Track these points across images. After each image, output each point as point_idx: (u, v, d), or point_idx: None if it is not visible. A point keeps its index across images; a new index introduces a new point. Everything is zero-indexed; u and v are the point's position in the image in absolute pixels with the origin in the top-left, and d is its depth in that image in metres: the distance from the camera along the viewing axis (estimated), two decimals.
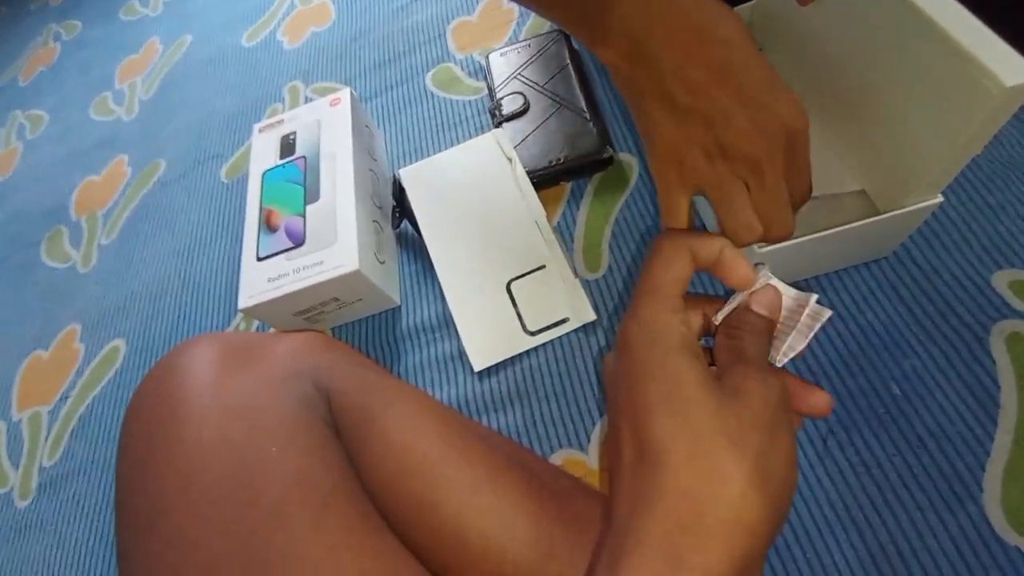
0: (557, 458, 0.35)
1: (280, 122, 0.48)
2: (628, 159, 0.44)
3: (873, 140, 0.30)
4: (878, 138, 0.30)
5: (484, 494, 0.26)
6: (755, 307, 0.22)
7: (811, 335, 0.21)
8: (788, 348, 0.22)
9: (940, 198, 0.28)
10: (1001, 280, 0.32)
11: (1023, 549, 0.27)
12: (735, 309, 0.23)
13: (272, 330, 0.44)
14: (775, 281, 0.23)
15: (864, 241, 0.32)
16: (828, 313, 0.21)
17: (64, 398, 0.50)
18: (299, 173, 0.44)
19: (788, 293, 0.23)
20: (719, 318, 0.23)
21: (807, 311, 0.21)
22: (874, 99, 0.29)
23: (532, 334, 0.38)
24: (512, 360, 0.38)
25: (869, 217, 0.29)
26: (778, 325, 0.23)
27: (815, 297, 0.22)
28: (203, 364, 0.28)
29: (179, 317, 0.50)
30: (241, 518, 0.22)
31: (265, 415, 0.26)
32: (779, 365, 0.22)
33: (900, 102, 0.27)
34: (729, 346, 0.21)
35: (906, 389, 0.31)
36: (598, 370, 0.37)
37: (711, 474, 0.17)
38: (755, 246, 0.29)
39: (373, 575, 0.22)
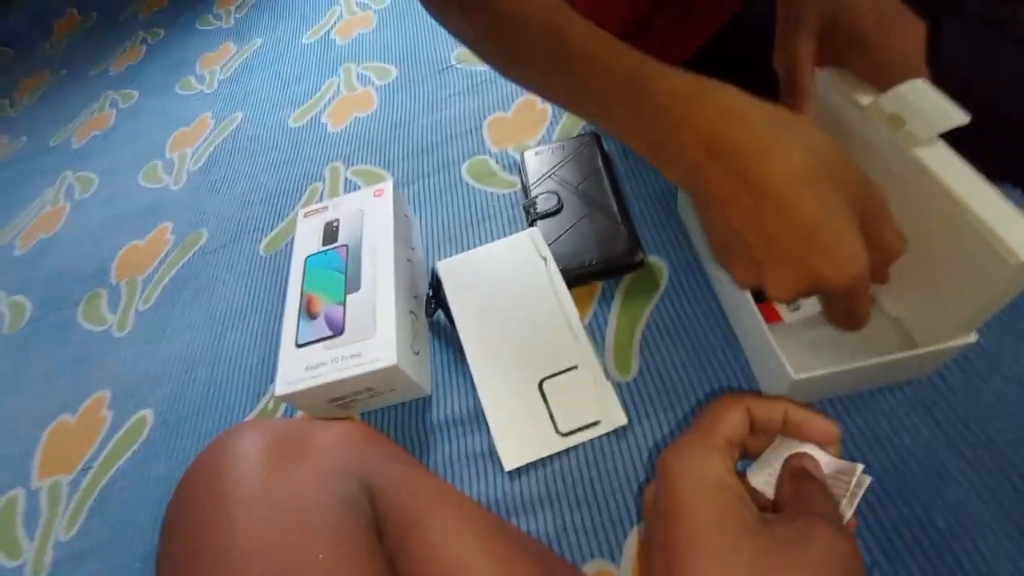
0: (589, 568, 0.34)
1: (324, 208, 0.50)
2: (658, 262, 0.45)
3: (910, 278, 0.31)
4: (914, 278, 0.31)
5: None
6: (809, 467, 0.22)
7: (856, 503, 0.22)
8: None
9: (974, 337, 0.29)
10: None
11: None
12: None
13: (300, 414, 0.45)
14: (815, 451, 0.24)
15: (896, 371, 0.32)
16: (869, 480, 0.22)
17: (86, 469, 0.50)
18: (341, 261, 0.46)
19: (833, 462, 0.23)
20: (754, 477, 0.24)
21: (855, 480, 0.22)
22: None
23: (564, 435, 0.38)
24: (543, 461, 0.38)
25: (903, 345, 0.29)
26: None
27: (861, 467, 0.22)
28: (250, 456, 0.29)
29: (209, 390, 0.51)
30: None
31: (312, 517, 0.26)
32: None
33: (934, 252, 0.28)
34: (797, 496, 0.21)
35: (951, 522, 0.30)
36: (628, 477, 0.37)
37: None
38: (790, 372, 0.30)
39: None
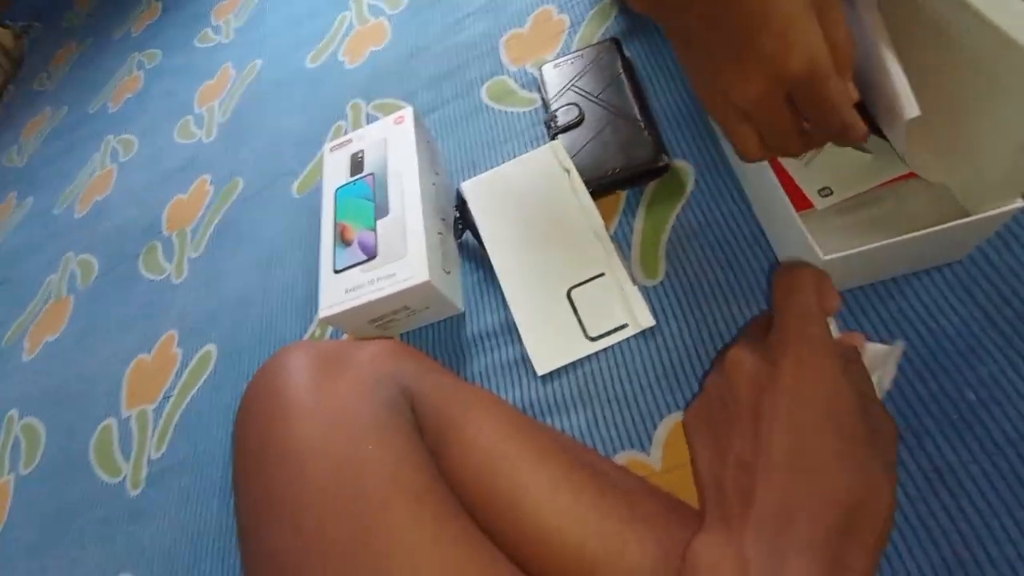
0: (620, 459, 0.36)
1: (349, 141, 0.51)
2: (683, 166, 0.44)
3: (952, 136, 0.29)
4: (956, 135, 0.29)
5: (561, 493, 0.28)
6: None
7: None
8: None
9: (1021, 202, 0.28)
10: None
11: None
12: None
13: (345, 336, 0.48)
14: None
15: (937, 246, 0.31)
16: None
17: (167, 397, 0.55)
18: (369, 190, 0.47)
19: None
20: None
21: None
22: (948, 98, 0.28)
23: (593, 339, 0.40)
24: (574, 365, 0.40)
25: (943, 219, 0.28)
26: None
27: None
28: (301, 370, 0.32)
29: (263, 324, 0.55)
30: (348, 509, 0.25)
31: (359, 418, 0.29)
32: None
33: (972, 101, 0.27)
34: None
35: (983, 395, 0.30)
36: (657, 375, 0.38)
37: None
38: (819, 253, 0.30)
39: (469, 564, 0.24)
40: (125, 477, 0.53)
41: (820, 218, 0.33)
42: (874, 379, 0.25)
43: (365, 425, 0.28)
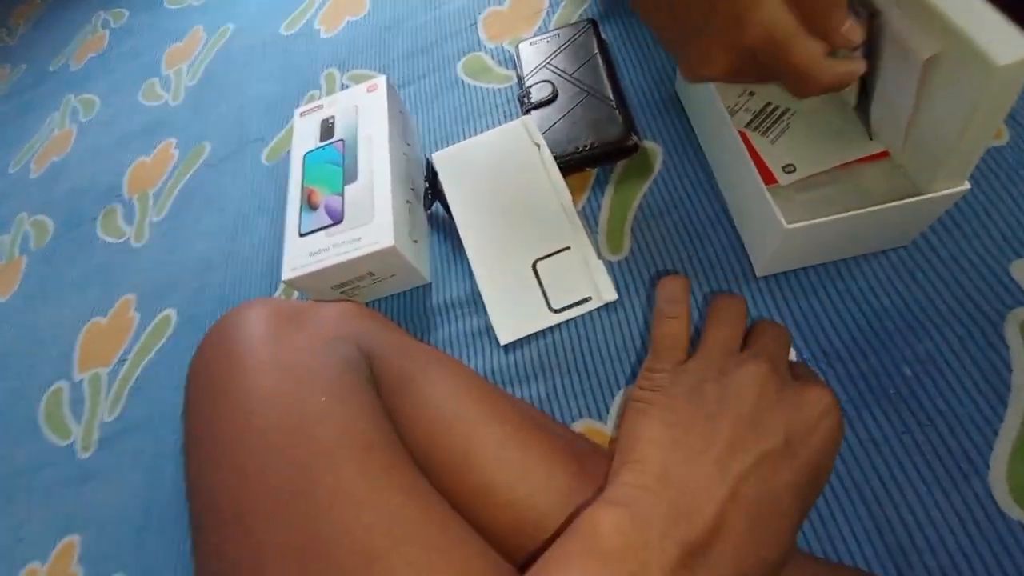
0: (578, 427, 0.37)
1: (320, 107, 0.51)
2: (652, 147, 0.45)
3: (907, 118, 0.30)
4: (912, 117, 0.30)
5: (511, 449, 0.28)
6: None
7: None
8: None
9: (967, 185, 0.29)
10: (1019, 269, 0.33)
11: None
12: None
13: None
14: None
15: (887, 225, 0.32)
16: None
17: (122, 361, 0.54)
18: (338, 155, 0.46)
19: None
20: None
21: None
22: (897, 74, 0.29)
23: (556, 311, 0.40)
24: (536, 335, 0.41)
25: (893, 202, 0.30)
26: None
27: None
28: (257, 324, 0.31)
29: (225, 290, 0.54)
30: (295, 458, 0.25)
31: (314, 371, 0.29)
32: None
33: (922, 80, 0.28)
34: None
35: (918, 371, 0.32)
36: (618, 347, 0.39)
37: None
38: (783, 221, 0.30)
39: (412, 512, 0.24)
40: (75, 440, 0.52)
41: (783, 193, 0.34)
42: None
43: (319, 378, 0.28)
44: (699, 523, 0.20)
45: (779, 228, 0.31)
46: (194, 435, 0.29)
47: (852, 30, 0.23)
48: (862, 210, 0.30)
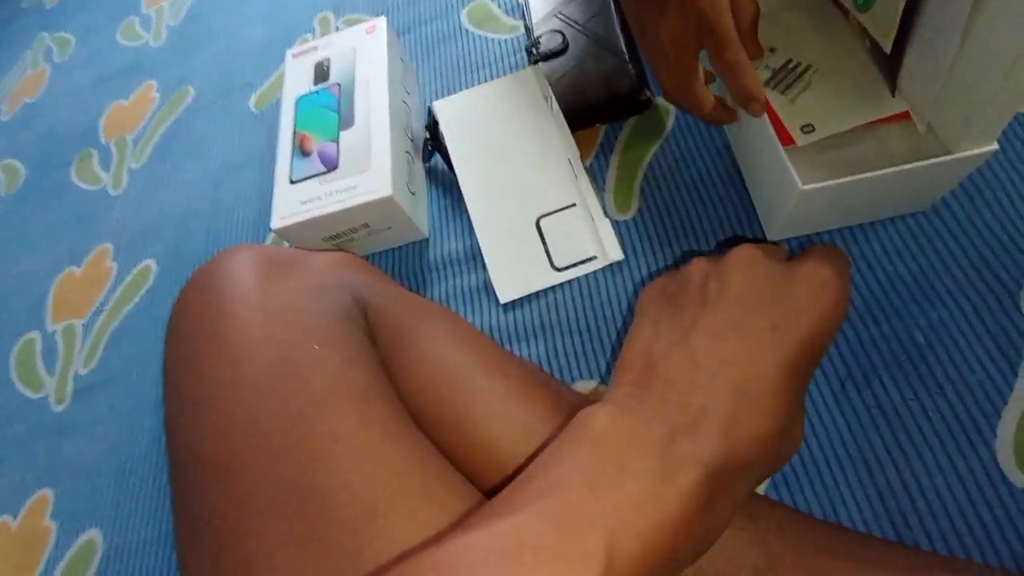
0: (579, 388, 0.36)
1: (314, 48, 0.47)
2: (665, 104, 0.43)
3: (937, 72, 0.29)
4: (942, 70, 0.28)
5: (513, 404, 0.27)
6: None
7: None
8: None
9: (995, 146, 0.28)
10: None
11: None
12: None
13: None
14: None
15: (907, 189, 0.31)
16: None
17: (98, 312, 0.51)
18: (333, 99, 0.44)
19: None
20: None
21: None
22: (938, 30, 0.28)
23: (559, 270, 0.39)
24: (538, 294, 0.39)
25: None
26: None
27: None
28: (245, 269, 0.29)
29: (208, 240, 0.51)
30: (287, 406, 0.23)
31: (306, 317, 0.27)
32: None
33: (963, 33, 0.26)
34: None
35: (930, 338, 0.31)
36: (622, 308, 0.37)
37: None
38: (798, 182, 0.29)
39: (412, 465, 0.23)
40: (48, 392, 0.49)
41: (801, 154, 0.33)
42: None
43: (312, 324, 0.26)
44: (683, 406, 0.20)
45: (795, 189, 0.29)
46: (177, 384, 0.27)
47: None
48: (881, 171, 0.29)
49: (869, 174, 0.28)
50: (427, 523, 0.22)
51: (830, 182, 0.29)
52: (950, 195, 0.34)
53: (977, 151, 0.28)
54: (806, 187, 0.29)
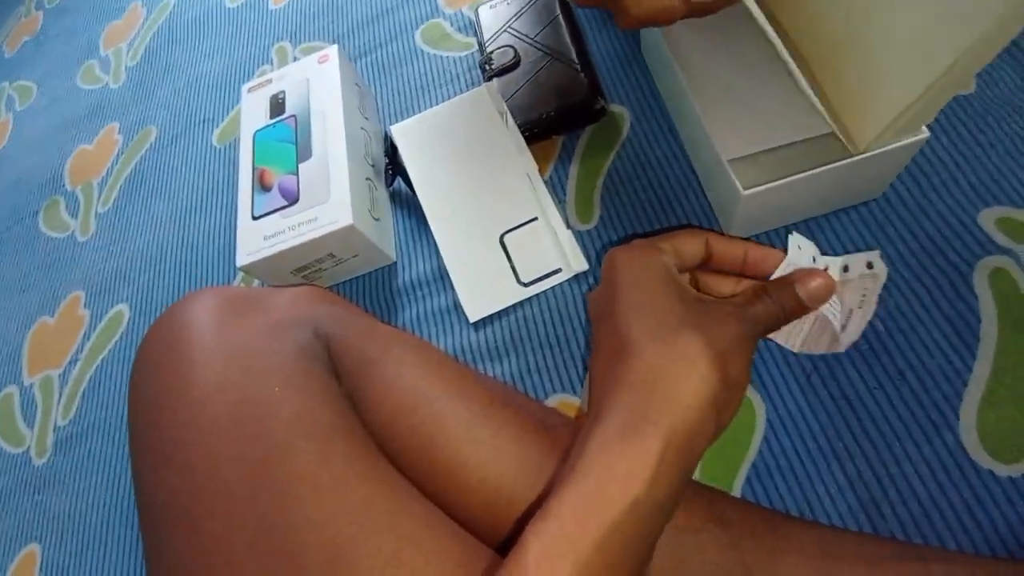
0: (551, 402, 0.36)
1: (269, 82, 0.48)
2: (620, 111, 0.43)
3: (849, 75, 0.29)
4: (855, 71, 0.29)
5: (480, 427, 0.27)
6: (802, 293, 0.25)
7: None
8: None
9: (926, 133, 0.28)
10: (988, 218, 0.33)
11: (996, 472, 0.28)
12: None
13: None
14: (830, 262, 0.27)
15: (852, 181, 0.32)
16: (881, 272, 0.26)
17: (73, 362, 0.51)
18: (290, 132, 0.44)
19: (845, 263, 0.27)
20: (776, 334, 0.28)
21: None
22: (856, 29, 0.28)
23: (526, 285, 0.39)
24: (506, 311, 0.39)
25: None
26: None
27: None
28: (204, 312, 0.29)
29: (180, 280, 0.51)
30: (248, 451, 0.23)
31: (265, 359, 0.27)
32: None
33: (884, 29, 0.26)
34: (749, 293, 0.25)
35: (890, 326, 0.32)
36: (589, 317, 0.38)
37: (677, 354, 0.21)
38: (739, 186, 0.30)
39: (377, 500, 0.23)
40: (29, 446, 0.49)
41: (745, 157, 0.33)
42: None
43: (272, 367, 0.26)
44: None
45: (738, 193, 0.30)
46: (139, 433, 0.27)
47: None
48: (819, 168, 0.29)
49: (804, 174, 0.29)
50: (393, 556, 0.22)
51: (769, 184, 0.29)
52: (900, 182, 0.35)
53: (905, 142, 0.28)
54: (748, 191, 0.29)
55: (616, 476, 0.19)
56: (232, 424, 0.24)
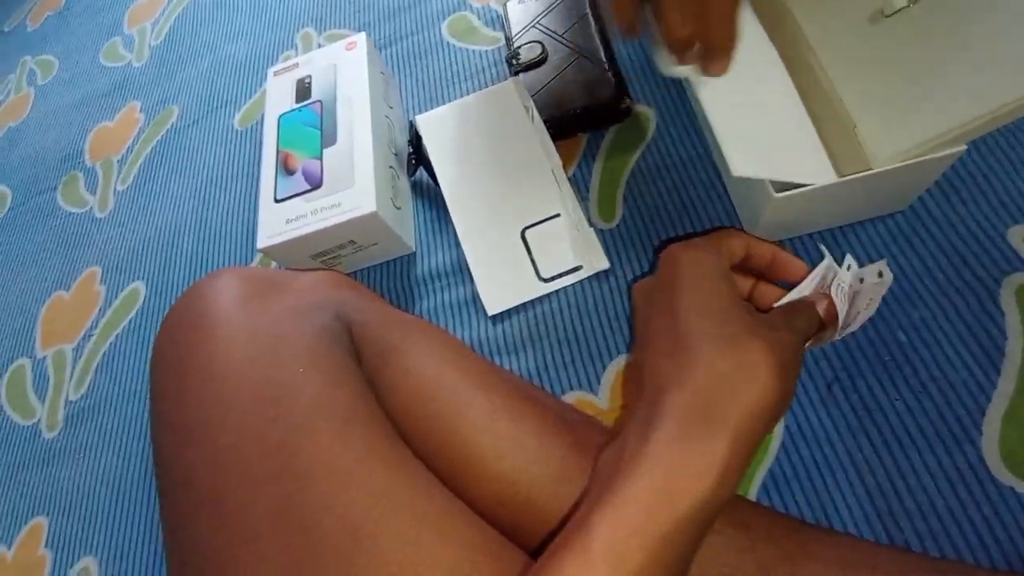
0: (568, 400, 0.36)
1: (295, 66, 0.48)
2: (646, 111, 0.43)
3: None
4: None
5: (500, 420, 0.27)
6: (821, 310, 0.26)
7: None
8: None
9: (963, 147, 0.28)
10: (1016, 235, 0.32)
11: (1016, 489, 0.28)
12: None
13: None
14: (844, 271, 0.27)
15: (883, 191, 0.32)
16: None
17: (87, 337, 0.51)
18: (316, 117, 0.44)
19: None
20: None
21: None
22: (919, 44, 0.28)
23: (545, 281, 0.39)
24: (525, 306, 0.39)
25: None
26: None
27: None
28: (228, 292, 0.29)
29: (197, 260, 0.51)
30: (270, 432, 0.23)
31: (288, 340, 0.27)
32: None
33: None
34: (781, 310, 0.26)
35: (913, 338, 0.32)
36: (609, 317, 0.38)
37: (743, 361, 0.21)
38: (771, 189, 0.29)
39: (396, 484, 0.23)
40: (40, 419, 0.49)
41: None
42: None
43: (295, 348, 0.26)
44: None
45: (768, 197, 0.30)
46: (162, 412, 0.27)
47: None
48: (850, 176, 0.29)
49: (837, 180, 0.29)
50: (414, 542, 0.22)
51: (800, 189, 0.29)
52: (928, 195, 0.34)
53: (942, 154, 0.28)
54: (778, 195, 0.29)
55: (687, 473, 0.20)
56: (255, 403, 0.24)
